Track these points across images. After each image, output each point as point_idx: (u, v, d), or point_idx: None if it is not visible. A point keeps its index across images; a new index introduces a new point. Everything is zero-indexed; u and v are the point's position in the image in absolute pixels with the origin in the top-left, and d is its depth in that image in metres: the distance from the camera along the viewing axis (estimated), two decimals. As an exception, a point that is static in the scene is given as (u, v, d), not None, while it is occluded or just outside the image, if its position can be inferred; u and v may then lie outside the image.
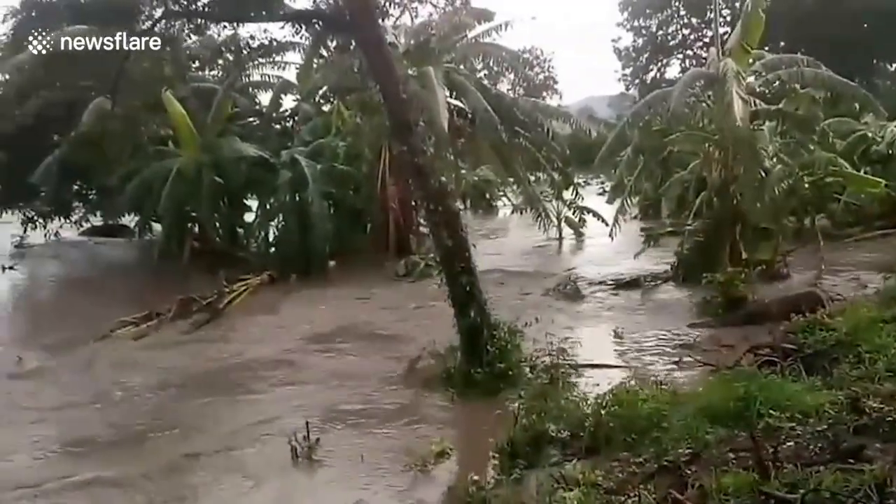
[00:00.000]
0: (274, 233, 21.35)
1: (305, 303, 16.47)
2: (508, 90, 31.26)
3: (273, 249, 21.14)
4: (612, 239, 18.33)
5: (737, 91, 14.03)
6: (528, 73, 32.73)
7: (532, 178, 23.52)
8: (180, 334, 14.13)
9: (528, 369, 10.11)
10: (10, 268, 22.30)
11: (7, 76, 23.81)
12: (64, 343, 13.69)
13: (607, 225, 19.71)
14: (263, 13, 10.81)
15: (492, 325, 10.32)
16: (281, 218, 20.60)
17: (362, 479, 7.76)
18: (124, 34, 12.34)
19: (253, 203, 22.64)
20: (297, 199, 19.78)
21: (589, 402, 7.59)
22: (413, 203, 21.78)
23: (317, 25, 12.01)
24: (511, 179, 24.39)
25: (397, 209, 21.25)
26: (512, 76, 33.09)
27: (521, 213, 25.11)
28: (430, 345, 11.30)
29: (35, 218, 25.18)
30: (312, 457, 8.11)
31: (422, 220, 22.61)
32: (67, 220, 25.71)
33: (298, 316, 15.32)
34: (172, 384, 11.36)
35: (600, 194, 29.53)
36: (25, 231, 25.44)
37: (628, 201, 18.49)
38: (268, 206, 21.11)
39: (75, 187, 24.66)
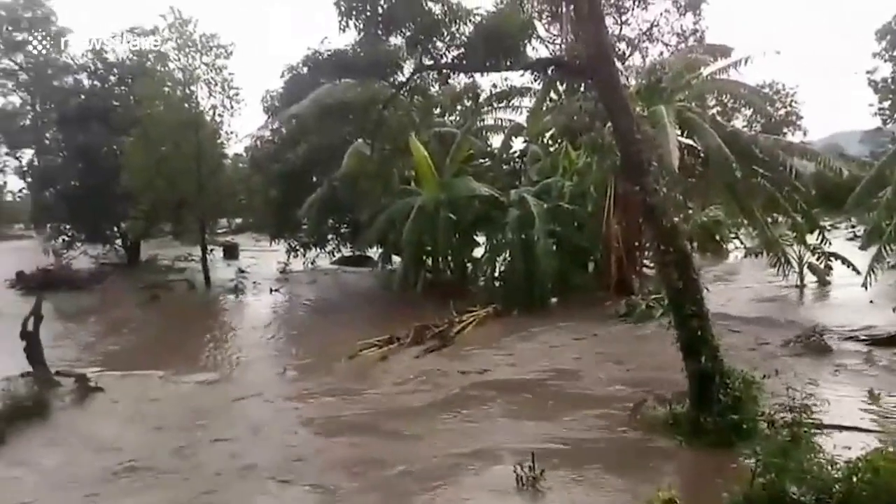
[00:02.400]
0: (500, 268, 22.23)
1: (528, 337, 16.84)
2: (744, 126, 29.65)
3: (499, 284, 22.00)
4: (866, 289, 16.48)
5: None
6: (767, 109, 30.77)
7: (769, 220, 21.98)
8: (415, 359, 15.28)
9: (765, 424, 9.53)
10: (276, 290, 25.82)
11: (280, 125, 27.90)
12: (320, 358, 15.55)
13: (859, 273, 17.78)
14: (508, 63, 11.58)
15: (724, 373, 9.90)
16: (507, 254, 21.42)
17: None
18: (383, 86, 14.06)
19: (481, 239, 23.80)
20: (524, 236, 20.48)
21: (838, 467, 7.04)
22: (637, 243, 21.52)
23: (555, 71, 12.56)
24: (745, 221, 22.99)
25: (621, 248, 21.06)
26: (748, 111, 31.32)
27: (756, 256, 23.51)
28: (655, 388, 11.12)
29: (297, 248, 28.72)
30: (537, 487, 8.35)
31: (646, 261, 22.23)
32: (322, 251, 29.04)
33: (521, 349, 15.75)
34: (405, 405, 12.30)
35: (850, 239, 26.60)
36: (289, 259, 29.12)
37: (887, 248, 16.55)
38: (496, 242, 22.08)
39: (330, 222, 27.74)
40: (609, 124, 13.24)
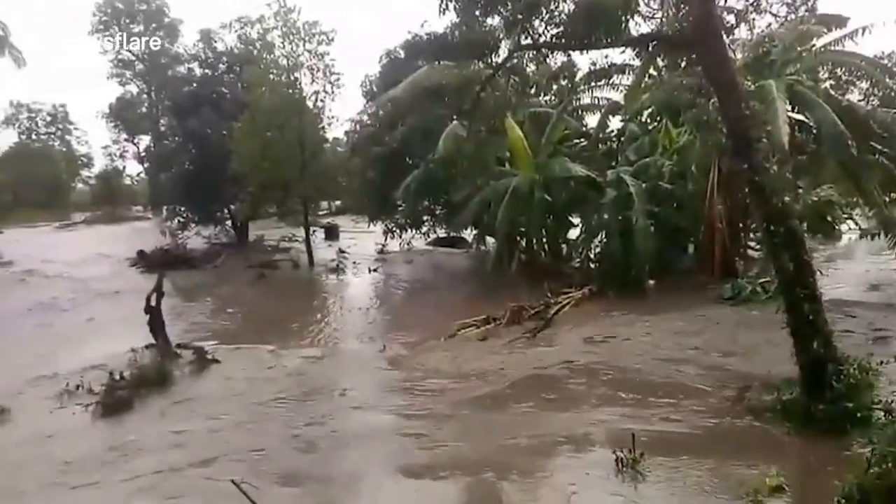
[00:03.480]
0: (596, 249, 21.92)
1: (624, 320, 16.58)
2: (860, 100, 27.72)
3: (594, 265, 21.72)
4: None
5: None
6: (887, 81, 28.58)
7: (887, 199, 20.59)
8: (514, 339, 15.39)
9: (882, 413, 9.07)
10: (375, 270, 26.62)
11: (378, 108, 28.47)
12: (418, 337, 15.96)
13: None
14: (609, 40, 11.34)
15: (838, 359, 9.48)
16: (604, 235, 21.09)
17: (687, 500, 7.79)
18: (480, 67, 14.10)
19: (576, 220, 23.54)
20: (621, 217, 20.10)
21: (965, 459, 6.65)
22: (741, 224, 20.66)
23: (657, 47, 12.20)
24: (860, 200, 21.62)
25: (724, 229, 20.30)
26: (865, 84, 29.23)
27: (873, 238, 22.09)
28: (760, 374, 10.78)
29: (393, 229, 29.40)
30: (637, 469, 8.28)
31: (750, 242, 21.33)
32: (418, 232, 29.59)
33: (616, 332, 15.49)
34: (500, 386, 12.34)
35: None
36: (386, 240, 29.86)
37: None
38: (592, 223, 21.77)
39: (426, 203, 28.17)
40: (714, 100, 12.78)
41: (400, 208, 27.81)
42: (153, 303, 14.88)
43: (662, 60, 20.03)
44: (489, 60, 13.66)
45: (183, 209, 32.36)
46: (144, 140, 56.98)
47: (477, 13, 12.26)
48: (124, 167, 63.14)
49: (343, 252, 28.91)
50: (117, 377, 12.74)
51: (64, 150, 62.85)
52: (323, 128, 28.13)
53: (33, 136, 62.19)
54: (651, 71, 22.47)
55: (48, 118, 62.93)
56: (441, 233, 29.98)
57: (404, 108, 24.22)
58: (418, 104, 22.23)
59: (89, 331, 18.37)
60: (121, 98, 57.47)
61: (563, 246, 24.35)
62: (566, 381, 12.32)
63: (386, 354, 15.25)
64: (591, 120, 26.52)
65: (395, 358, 14.96)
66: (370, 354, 15.28)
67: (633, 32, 12.21)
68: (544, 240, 24.22)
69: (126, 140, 59.77)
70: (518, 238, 23.76)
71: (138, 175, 62.96)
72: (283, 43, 26.53)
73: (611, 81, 23.42)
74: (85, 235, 40.64)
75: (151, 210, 51.04)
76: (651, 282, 20.03)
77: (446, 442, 9.91)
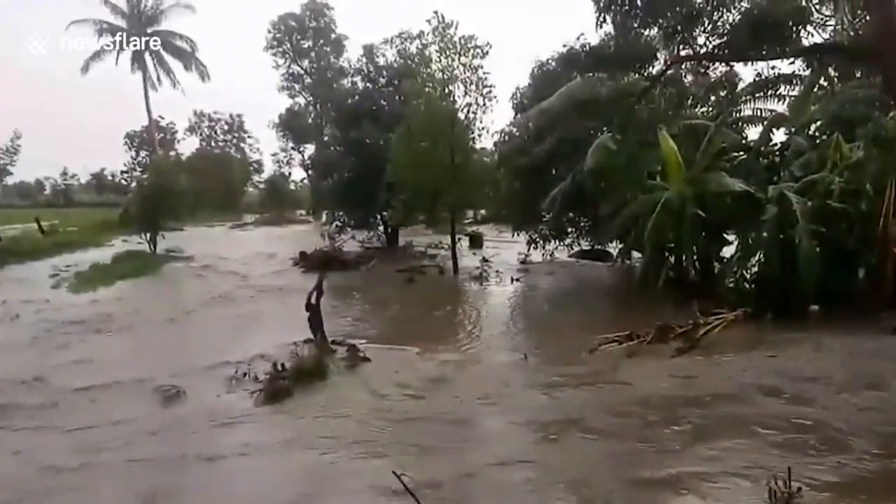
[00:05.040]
0: (752, 269, 20.74)
1: (782, 347, 15.50)
2: None
3: (750, 286, 20.56)
4: None
5: None
6: None
7: None
8: (660, 359, 14.96)
9: None
10: (517, 280, 26.84)
11: (528, 121, 28.70)
12: (559, 349, 15.93)
13: None
14: (776, 50, 10.87)
15: None
16: (762, 255, 19.93)
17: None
18: (635, 79, 13.94)
19: (731, 237, 22.41)
20: (783, 236, 18.91)
21: None
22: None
23: (832, 57, 11.51)
24: None
25: (901, 254, 18.47)
26: None
27: None
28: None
29: (537, 240, 29.54)
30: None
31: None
32: (561, 243, 29.48)
33: (774, 359, 14.56)
34: (642, 406, 11.95)
35: None
36: (528, 250, 30.04)
37: None
38: (749, 242, 20.63)
39: (570, 215, 28.05)
40: (894, 113, 11.81)
41: (544, 219, 27.89)
42: (313, 301, 15.99)
43: (834, 70, 18.70)
44: (645, 72, 13.49)
45: (341, 214, 34.43)
46: (309, 148, 61.11)
47: (635, 24, 12.17)
48: (290, 173, 68.19)
49: (486, 261, 29.42)
50: (279, 367, 13.80)
51: (239, 156, 68.86)
52: (473, 139, 28.83)
53: (213, 143, 68.69)
54: (821, 81, 21.01)
55: (226, 127, 69.26)
56: (585, 245, 29.70)
57: (554, 120, 24.27)
58: (569, 116, 22.17)
59: (256, 324, 19.98)
60: (289, 109, 62.14)
61: (716, 264, 23.24)
62: (708, 409, 11.68)
63: (527, 364, 15.37)
64: (752, 133, 25.21)
65: (535, 368, 15.04)
66: (511, 363, 15.43)
67: (804, 42, 11.63)
68: (695, 257, 23.25)
69: (293, 148, 64.49)
70: (667, 254, 22.99)
71: (302, 181, 67.71)
72: (439, 57, 27.51)
73: (777, 92, 22.07)
74: (254, 236, 44.49)
75: (313, 214, 54.72)
76: (814, 307, 18.62)
77: (581, 462, 9.74)
